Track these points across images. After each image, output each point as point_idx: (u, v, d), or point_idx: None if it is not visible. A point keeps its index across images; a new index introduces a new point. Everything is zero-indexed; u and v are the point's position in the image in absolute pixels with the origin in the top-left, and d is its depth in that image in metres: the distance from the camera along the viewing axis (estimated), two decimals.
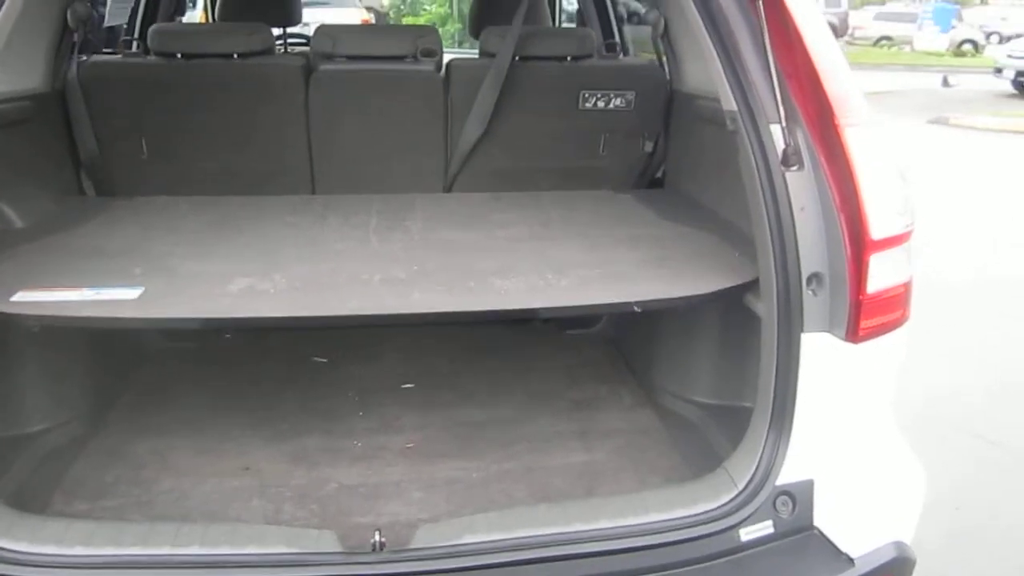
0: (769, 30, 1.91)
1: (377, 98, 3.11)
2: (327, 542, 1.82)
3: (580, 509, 1.98)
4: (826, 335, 1.91)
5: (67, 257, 2.34)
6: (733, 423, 2.27)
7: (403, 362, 3.07)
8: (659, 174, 3.35)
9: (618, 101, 3.17)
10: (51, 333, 2.39)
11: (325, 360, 3.12)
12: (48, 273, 2.18)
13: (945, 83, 20.14)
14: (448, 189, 3.26)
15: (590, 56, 3.26)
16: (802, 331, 1.91)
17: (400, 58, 3.18)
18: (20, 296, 2.00)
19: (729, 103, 1.98)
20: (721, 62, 1.97)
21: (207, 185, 3.07)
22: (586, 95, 3.15)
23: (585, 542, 1.83)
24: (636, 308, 2.12)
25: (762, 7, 1.91)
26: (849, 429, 1.99)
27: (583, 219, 2.84)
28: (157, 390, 2.86)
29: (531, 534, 1.83)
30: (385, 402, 2.79)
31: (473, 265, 2.34)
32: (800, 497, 1.94)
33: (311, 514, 2.21)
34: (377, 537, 1.81)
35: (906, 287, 1.98)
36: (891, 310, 1.96)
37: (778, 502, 1.93)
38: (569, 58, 3.22)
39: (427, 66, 3.19)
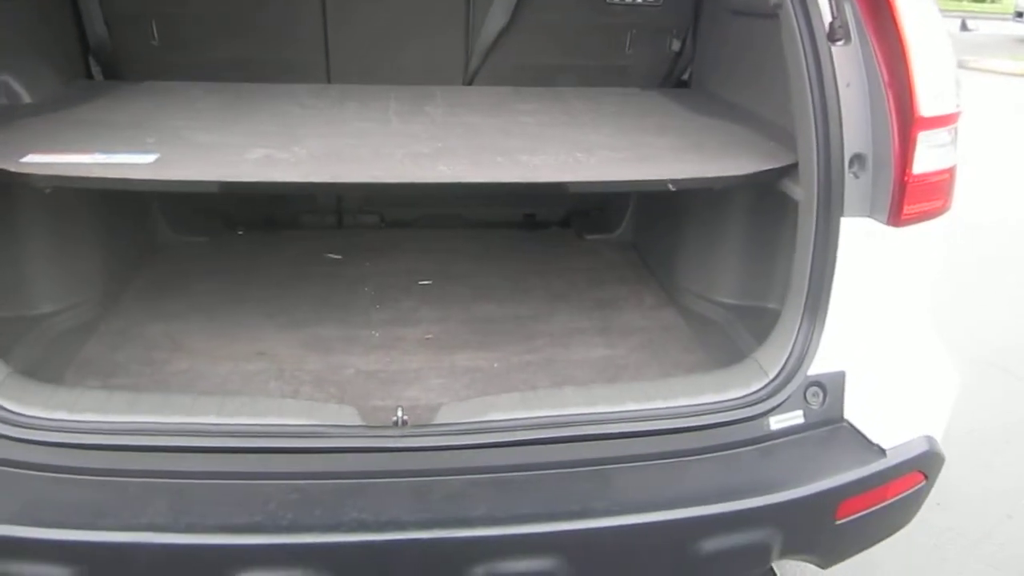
0: None
1: None
2: (348, 416, 1.78)
3: (605, 392, 1.94)
4: (866, 220, 1.84)
5: (78, 127, 2.25)
6: (758, 323, 2.22)
7: (419, 262, 3.01)
8: (685, 76, 3.24)
9: None
10: (62, 208, 2.33)
11: (340, 257, 3.05)
12: (59, 141, 2.10)
13: (964, 27, 19.74)
14: (468, 83, 3.15)
15: None
16: (842, 215, 1.84)
17: None
18: (30, 158, 1.93)
19: None
20: None
21: (220, 74, 2.95)
22: None
23: (610, 423, 1.78)
24: (671, 187, 2.04)
25: None
26: (884, 320, 1.93)
27: (610, 110, 2.74)
28: (169, 279, 2.81)
29: (555, 413, 1.79)
30: (401, 297, 2.74)
31: (499, 144, 2.25)
32: (831, 388, 1.90)
33: (330, 396, 2.17)
34: (399, 414, 1.77)
35: (950, 173, 1.92)
36: (935, 196, 1.89)
37: (808, 393, 1.89)
38: None
39: None
